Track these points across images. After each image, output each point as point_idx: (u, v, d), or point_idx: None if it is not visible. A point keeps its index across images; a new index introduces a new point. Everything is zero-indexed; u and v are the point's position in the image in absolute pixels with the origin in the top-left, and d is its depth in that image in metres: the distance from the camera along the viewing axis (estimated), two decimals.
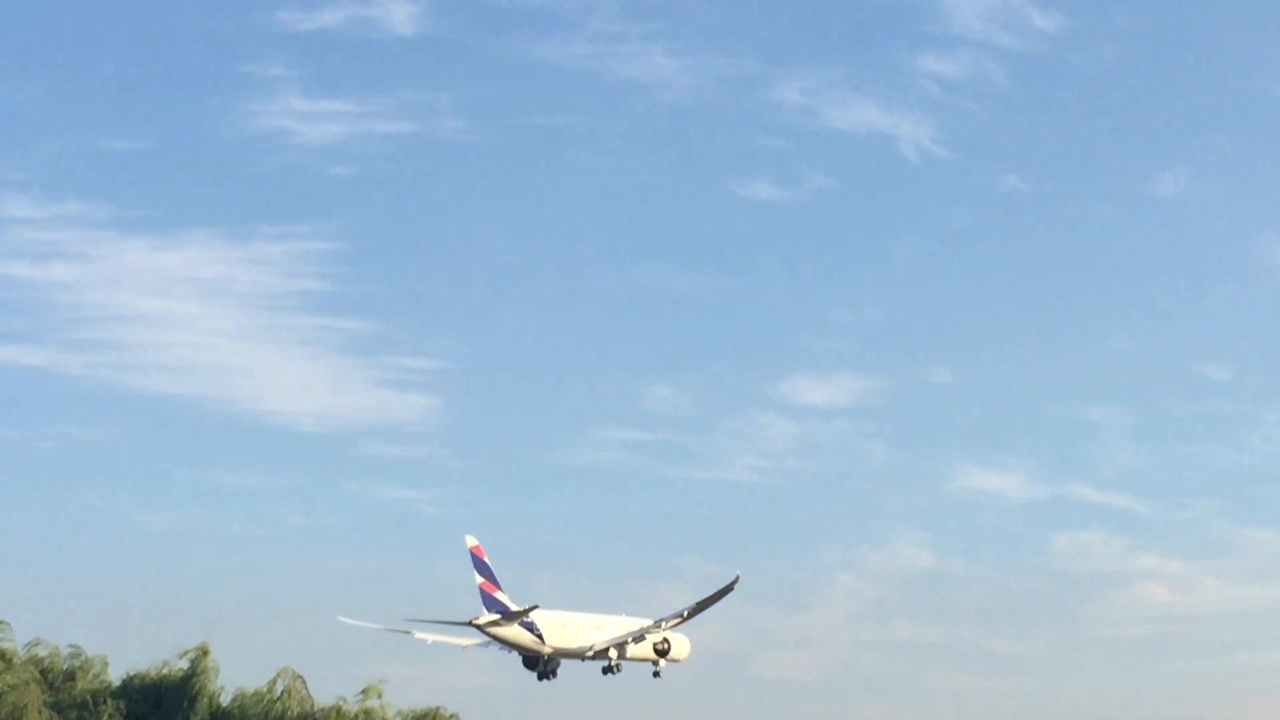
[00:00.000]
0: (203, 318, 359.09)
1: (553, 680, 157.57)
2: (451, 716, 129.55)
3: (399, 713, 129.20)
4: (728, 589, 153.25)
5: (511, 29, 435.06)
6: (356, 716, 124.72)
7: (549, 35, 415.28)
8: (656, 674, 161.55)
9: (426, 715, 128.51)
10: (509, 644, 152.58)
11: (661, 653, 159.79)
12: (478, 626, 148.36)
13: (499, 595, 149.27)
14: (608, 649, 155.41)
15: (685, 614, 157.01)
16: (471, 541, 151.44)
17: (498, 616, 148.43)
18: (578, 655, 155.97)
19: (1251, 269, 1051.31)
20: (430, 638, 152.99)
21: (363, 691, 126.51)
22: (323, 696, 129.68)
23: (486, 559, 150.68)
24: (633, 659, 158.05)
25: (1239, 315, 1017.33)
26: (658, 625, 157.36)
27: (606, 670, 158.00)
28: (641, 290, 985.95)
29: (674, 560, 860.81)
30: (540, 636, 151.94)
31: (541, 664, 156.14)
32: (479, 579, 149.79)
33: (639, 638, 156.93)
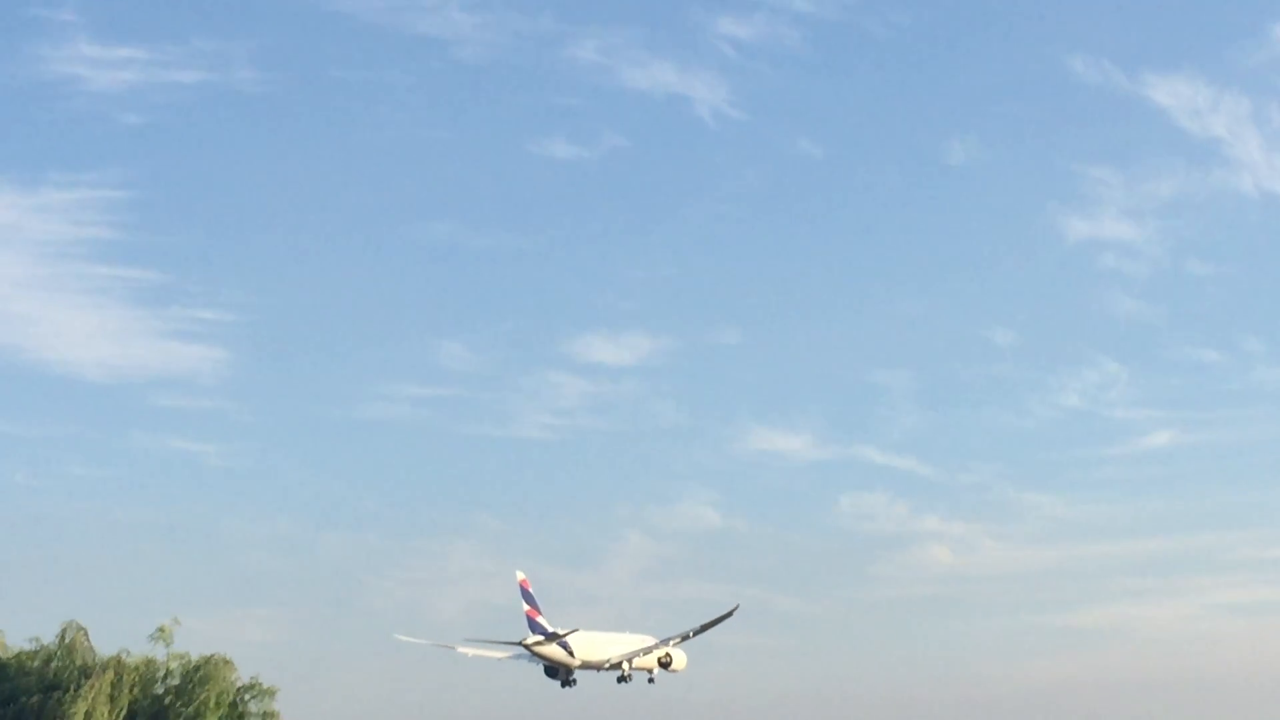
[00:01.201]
0: None
1: (571, 684, 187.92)
2: (226, 663, 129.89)
3: (179, 660, 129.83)
4: (727, 615, 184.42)
5: None
6: (137, 666, 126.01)
7: None
8: (651, 680, 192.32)
9: (204, 663, 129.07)
10: (544, 658, 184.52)
11: (664, 665, 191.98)
12: (526, 646, 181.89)
13: (540, 620, 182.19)
14: (621, 662, 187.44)
15: (690, 634, 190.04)
16: (520, 575, 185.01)
17: (542, 638, 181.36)
18: (597, 667, 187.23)
19: (1037, 237, 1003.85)
20: (471, 652, 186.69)
21: (158, 630, 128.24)
22: (107, 649, 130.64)
23: (531, 590, 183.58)
24: (639, 669, 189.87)
25: (1024, 282, 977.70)
26: (664, 643, 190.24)
27: (620, 679, 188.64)
28: (434, 246, 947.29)
29: (465, 516, 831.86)
30: (571, 653, 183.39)
31: (563, 674, 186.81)
32: (526, 607, 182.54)
33: (647, 652, 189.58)
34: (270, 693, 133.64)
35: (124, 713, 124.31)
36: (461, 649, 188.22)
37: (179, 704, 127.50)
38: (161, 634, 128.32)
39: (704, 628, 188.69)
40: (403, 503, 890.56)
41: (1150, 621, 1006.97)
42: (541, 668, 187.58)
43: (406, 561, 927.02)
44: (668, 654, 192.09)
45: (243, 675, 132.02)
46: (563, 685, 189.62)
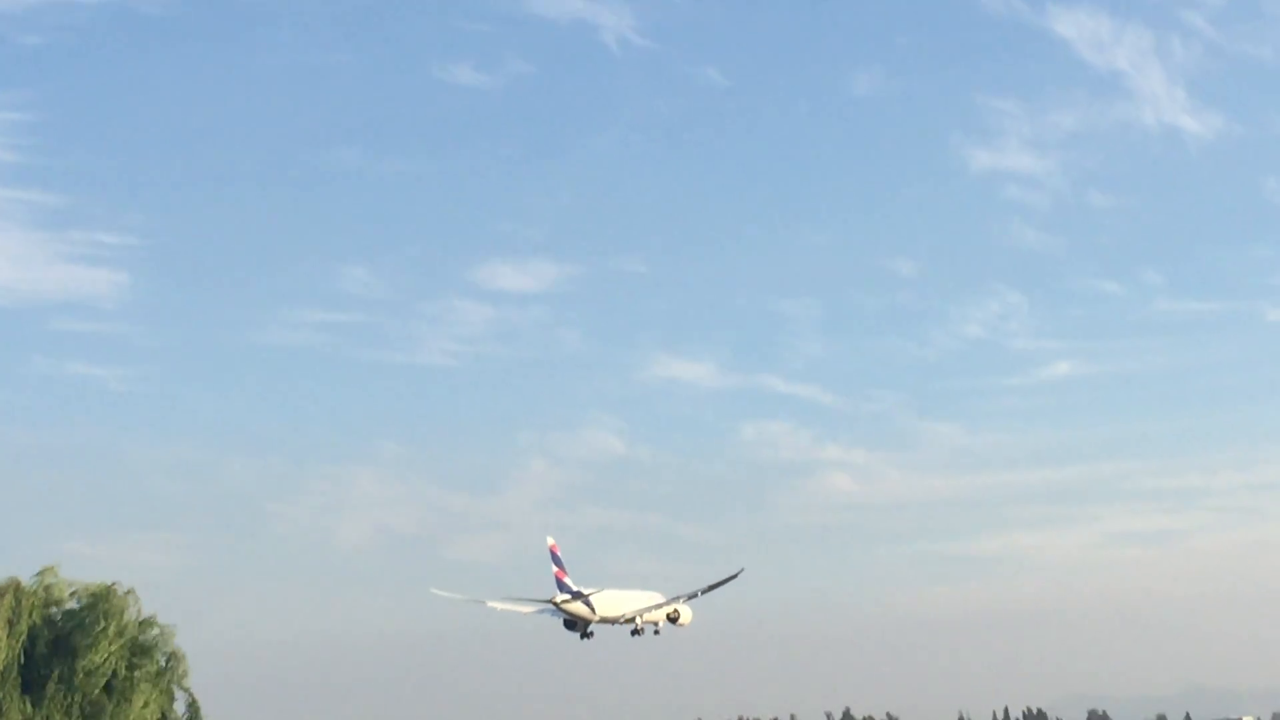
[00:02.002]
0: None
1: (589, 637, 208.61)
2: (129, 592, 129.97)
3: (79, 588, 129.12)
4: (732, 577, 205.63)
5: None
6: (36, 591, 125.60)
7: None
8: (657, 632, 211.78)
9: (104, 592, 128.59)
10: (569, 614, 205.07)
11: (672, 619, 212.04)
12: (555, 604, 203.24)
13: (567, 580, 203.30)
14: (634, 617, 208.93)
15: (698, 593, 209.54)
16: (550, 540, 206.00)
17: (569, 596, 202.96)
18: (614, 621, 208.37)
19: (940, 168, 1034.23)
20: (500, 606, 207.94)
21: (39, 573, 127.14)
22: (3, 572, 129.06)
23: (559, 553, 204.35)
24: (648, 622, 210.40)
25: (927, 213, 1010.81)
26: (672, 601, 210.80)
27: (633, 632, 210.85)
28: (339, 172, 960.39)
29: (369, 443, 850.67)
30: (593, 609, 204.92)
31: (582, 627, 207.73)
32: (555, 569, 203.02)
33: (658, 608, 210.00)
34: (169, 635, 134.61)
35: (24, 638, 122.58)
36: (491, 604, 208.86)
37: (78, 634, 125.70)
38: (43, 574, 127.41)
39: (710, 588, 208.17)
40: (306, 428, 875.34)
41: (1049, 549, 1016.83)
42: (562, 621, 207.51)
43: (310, 487, 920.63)
44: (675, 610, 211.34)
45: (145, 604, 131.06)
46: (581, 637, 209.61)
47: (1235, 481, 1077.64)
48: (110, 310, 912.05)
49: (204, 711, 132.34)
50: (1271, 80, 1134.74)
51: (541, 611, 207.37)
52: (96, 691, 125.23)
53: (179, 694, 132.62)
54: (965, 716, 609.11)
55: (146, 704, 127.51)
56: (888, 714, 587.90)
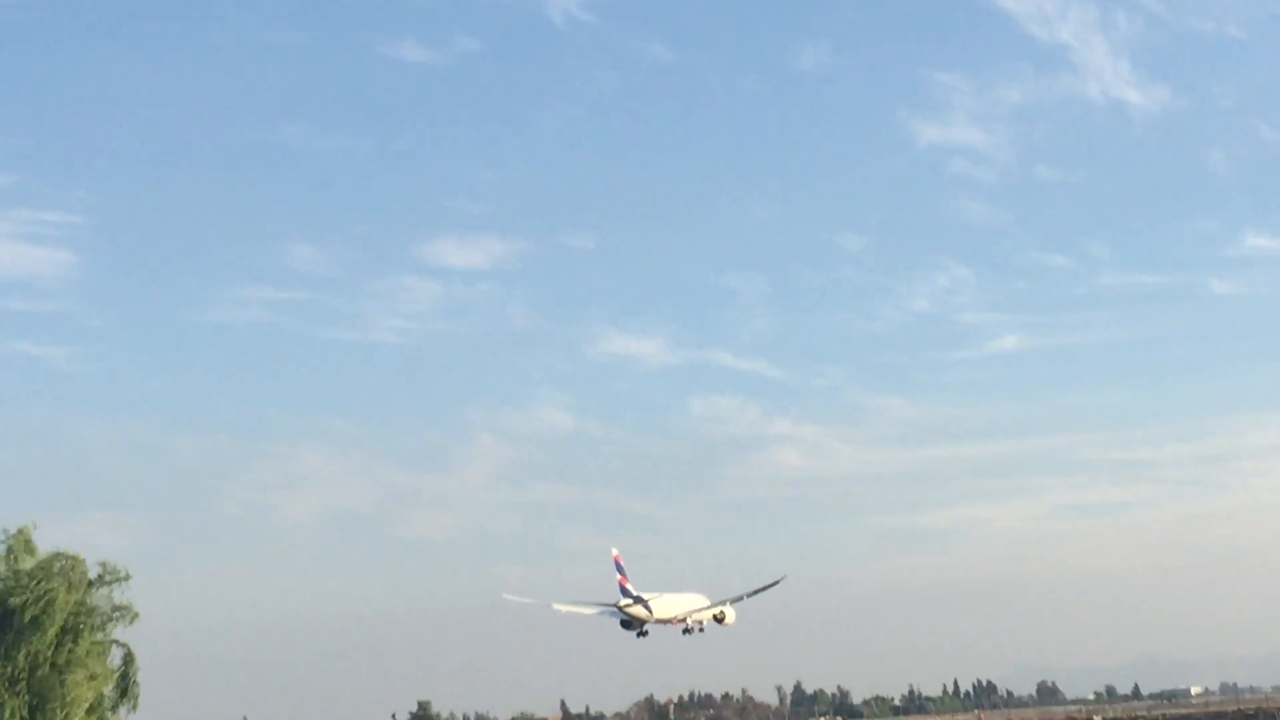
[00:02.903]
0: None
1: (644, 635, 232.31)
2: (77, 559, 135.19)
3: (30, 556, 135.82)
4: (774, 584, 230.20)
5: None
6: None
7: None
8: (701, 629, 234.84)
9: (54, 557, 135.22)
10: (630, 616, 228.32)
11: (719, 620, 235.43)
12: (619, 607, 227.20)
13: (629, 586, 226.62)
14: (685, 618, 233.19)
15: (743, 597, 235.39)
16: (615, 551, 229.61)
17: (631, 600, 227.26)
18: (668, 622, 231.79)
19: (887, 143, 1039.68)
20: (565, 609, 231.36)
21: (18, 531, 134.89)
22: None
23: (622, 562, 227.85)
24: (696, 622, 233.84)
25: (874, 187, 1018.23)
26: (719, 604, 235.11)
27: (685, 631, 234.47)
28: (285, 149, 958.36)
29: (316, 420, 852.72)
30: (650, 611, 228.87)
31: (638, 627, 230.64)
32: (618, 576, 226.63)
33: (707, 610, 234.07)
34: (123, 577, 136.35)
35: None
36: (557, 606, 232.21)
37: (29, 598, 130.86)
38: (19, 535, 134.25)
39: (754, 593, 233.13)
40: (254, 406, 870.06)
41: (998, 522, 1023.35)
42: (619, 622, 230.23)
43: (257, 465, 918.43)
44: (721, 611, 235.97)
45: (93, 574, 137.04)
46: (638, 635, 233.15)
47: (1182, 454, 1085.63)
48: (57, 289, 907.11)
49: (141, 665, 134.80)
50: (1215, 53, 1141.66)
51: (603, 613, 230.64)
52: (46, 646, 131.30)
53: (116, 649, 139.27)
54: (915, 689, 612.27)
55: (89, 652, 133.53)
56: (839, 687, 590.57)
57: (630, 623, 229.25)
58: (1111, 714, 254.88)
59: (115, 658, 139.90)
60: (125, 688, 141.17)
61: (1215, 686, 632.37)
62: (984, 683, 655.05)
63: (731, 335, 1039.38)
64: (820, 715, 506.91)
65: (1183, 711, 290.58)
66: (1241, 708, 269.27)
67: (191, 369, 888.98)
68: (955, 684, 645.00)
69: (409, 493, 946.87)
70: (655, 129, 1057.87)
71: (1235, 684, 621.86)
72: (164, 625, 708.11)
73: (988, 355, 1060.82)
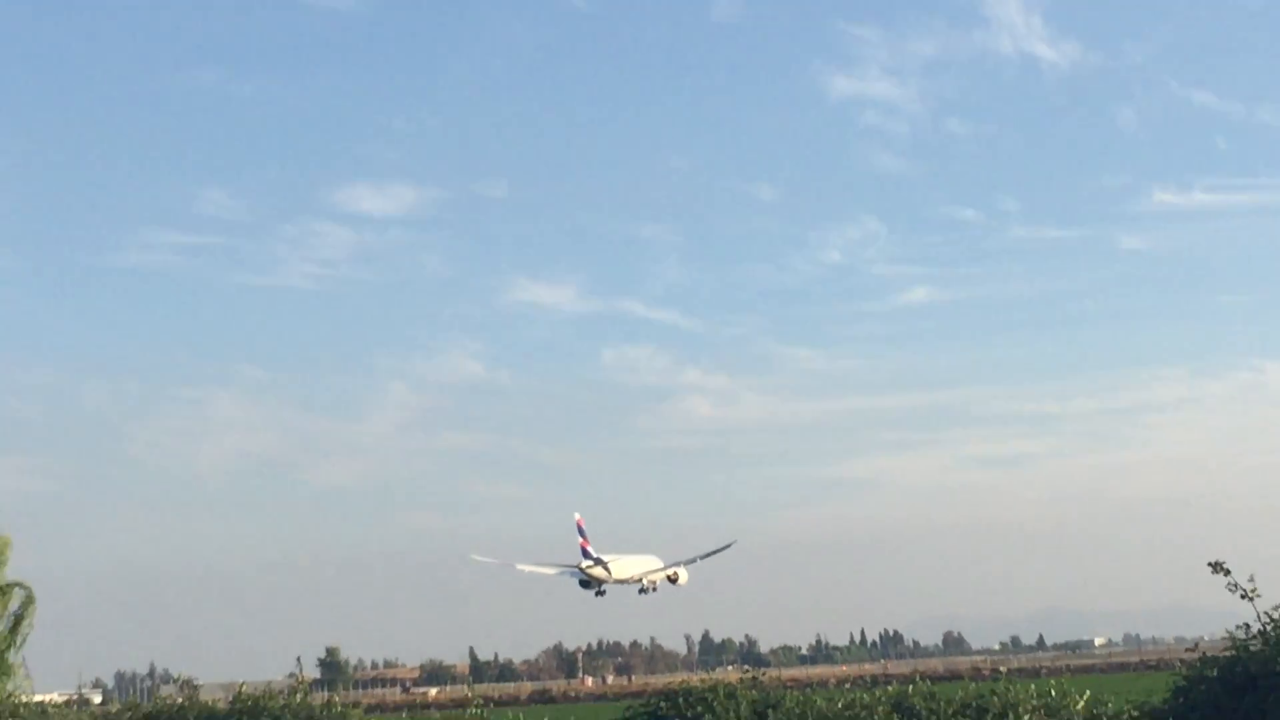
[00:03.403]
0: None
1: (601, 594, 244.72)
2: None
3: None
4: (725, 548, 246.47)
5: None
6: None
7: None
8: (655, 589, 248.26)
9: None
10: (591, 577, 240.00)
11: (672, 580, 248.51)
12: (581, 569, 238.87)
13: (589, 548, 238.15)
14: (642, 579, 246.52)
15: (697, 559, 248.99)
16: (577, 516, 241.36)
17: (592, 562, 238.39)
18: (625, 582, 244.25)
19: (800, 95, 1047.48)
20: (528, 569, 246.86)
21: None
22: None
23: (584, 526, 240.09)
24: (652, 582, 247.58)
25: (787, 139, 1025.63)
26: (673, 565, 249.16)
27: (641, 591, 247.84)
28: (196, 93, 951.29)
29: (227, 366, 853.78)
30: (609, 572, 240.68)
31: (597, 586, 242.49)
32: (580, 539, 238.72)
33: (661, 571, 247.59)
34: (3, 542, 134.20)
35: None
36: (520, 566, 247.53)
37: None
38: None
39: (705, 555, 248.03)
40: (164, 351, 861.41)
41: (907, 473, 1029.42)
42: (578, 582, 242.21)
43: (168, 410, 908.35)
44: (675, 572, 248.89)
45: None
46: (596, 594, 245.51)
47: (1089, 407, 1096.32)
48: None
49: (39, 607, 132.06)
50: (1126, 10, 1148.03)
51: (564, 573, 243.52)
52: None
53: (18, 592, 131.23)
54: (823, 639, 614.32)
55: None
56: (746, 636, 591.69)
57: (589, 583, 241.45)
58: (1016, 664, 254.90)
59: (15, 602, 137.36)
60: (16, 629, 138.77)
61: (1119, 638, 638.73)
62: (891, 633, 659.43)
63: (644, 285, 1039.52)
64: (728, 664, 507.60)
65: (1086, 662, 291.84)
66: (1144, 659, 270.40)
67: (101, 313, 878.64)
68: (862, 634, 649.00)
69: (319, 439, 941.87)
70: (570, 78, 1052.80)
71: (1138, 635, 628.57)
72: (72, 569, 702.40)
73: (898, 307, 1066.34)
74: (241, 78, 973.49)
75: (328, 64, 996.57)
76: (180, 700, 49.55)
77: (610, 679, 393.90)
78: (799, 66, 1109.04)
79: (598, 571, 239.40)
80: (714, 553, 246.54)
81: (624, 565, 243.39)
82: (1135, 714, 31.27)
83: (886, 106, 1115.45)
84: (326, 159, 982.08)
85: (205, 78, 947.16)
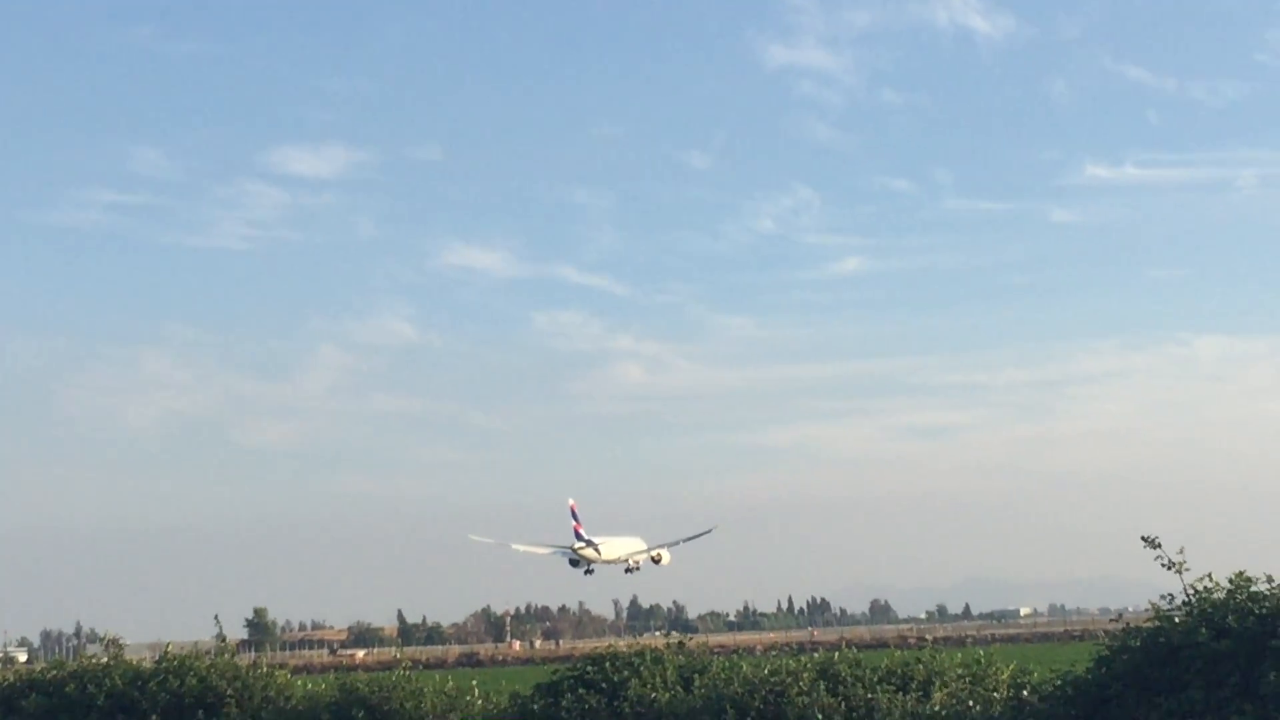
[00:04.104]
0: None
1: (591, 575, 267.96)
2: None
3: None
4: (706, 532, 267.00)
5: None
6: None
7: None
8: (638, 568, 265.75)
9: None
10: (581, 556, 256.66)
11: (656, 561, 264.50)
12: (573, 549, 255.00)
13: (581, 531, 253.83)
14: (628, 559, 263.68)
15: (680, 542, 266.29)
16: (571, 501, 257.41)
17: (584, 544, 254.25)
18: (613, 563, 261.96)
19: (735, 64, 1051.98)
20: (522, 548, 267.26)
21: None
22: None
23: (577, 510, 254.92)
24: (637, 563, 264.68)
25: (722, 107, 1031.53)
26: (657, 547, 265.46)
27: (627, 570, 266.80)
28: (130, 51, 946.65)
29: (158, 326, 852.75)
30: (599, 553, 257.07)
31: (586, 566, 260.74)
32: (574, 522, 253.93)
33: (646, 552, 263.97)
34: None
35: None
36: (515, 546, 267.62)
37: None
38: None
39: (687, 539, 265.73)
40: (94, 310, 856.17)
41: (837, 442, 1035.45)
42: (568, 561, 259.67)
43: (96, 369, 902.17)
44: (659, 554, 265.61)
45: None
46: (585, 573, 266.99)
47: (1018, 378, 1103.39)
48: None
49: None
50: None
51: (555, 553, 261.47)
52: None
53: None
54: (750, 606, 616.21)
55: None
56: (674, 602, 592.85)
57: (579, 562, 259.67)
58: (942, 633, 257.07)
59: None
60: None
61: (1044, 608, 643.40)
62: (818, 600, 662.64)
63: (576, 250, 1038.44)
64: (655, 630, 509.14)
65: (1011, 632, 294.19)
66: (1068, 629, 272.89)
67: (31, 271, 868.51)
68: (790, 601, 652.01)
69: (250, 401, 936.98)
70: (503, 42, 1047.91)
71: (1063, 606, 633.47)
72: None
73: (831, 277, 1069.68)
74: (176, 36, 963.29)
75: (262, 24, 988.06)
76: (106, 659, 49.29)
77: (538, 643, 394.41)
78: (735, 35, 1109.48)
79: (588, 552, 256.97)
80: (695, 537, 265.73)
81: (612, 546, 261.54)
82: (1059, 683, 31.46)
83: (822, 76, 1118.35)
84: (260, 120, 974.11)
85: (139, 34, 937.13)
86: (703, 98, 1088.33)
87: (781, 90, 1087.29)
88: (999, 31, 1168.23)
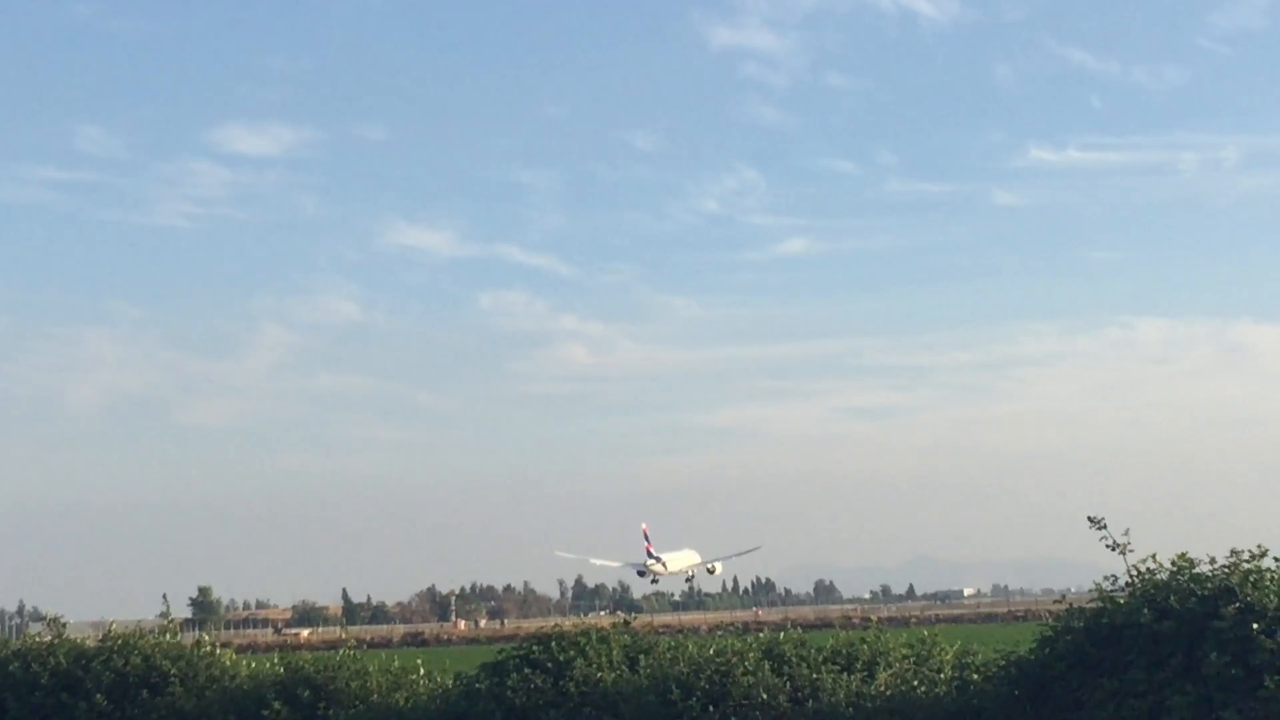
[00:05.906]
0: None
1: (656, 584, 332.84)
2: None
3: None
4: (752, 550, 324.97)
5: None
6: None
7: None
8: (694, 578, 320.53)
9: None
10: (649, 569, 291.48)
11: (710, 571, 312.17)
12: (645, 565, 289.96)
13: (651, 549, 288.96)
14: (689, 571, 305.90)
15: (730, 556, 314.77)
16: (644, 525, 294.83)
17: (654, 560, 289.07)
18: (675, 575, 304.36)
19: (680, 44, 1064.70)
20: (599, 562, 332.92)
21: None
22: None
23: (648, 532, 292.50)
24: (693, 574, 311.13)
25: (667, 88, 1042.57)
26: (713, 561, 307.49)
27: (686, 580, 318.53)
28: (73, 27, 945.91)
29: (100, 304, 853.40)
30: (665, 566, 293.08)
31: (652, 577, 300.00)
32: (646, 544, 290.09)
33: (702, 565, 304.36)
34: None
35: None
36: (594, 561, 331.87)
37: None
38: None
39: (737, 554, 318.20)
40: (36, 287, 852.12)
41: (781, 423, 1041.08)
42: (636, 572, 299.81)
43: (39, 347, 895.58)
44: (713, 565, 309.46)
45: None
46: (652, 582, 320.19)
47: (961, 360, 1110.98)
48: None
49: None
50: None
51: (626, 566, 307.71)
52: None
53: None
54: (695, 586, 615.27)
55: None
56: (620, 582, 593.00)
57: (646, 573, 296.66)
58: (886, 613, 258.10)
59: None
60: None
61: (987, 589, 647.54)
62: (763, 580, 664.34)
63: (521, 230, 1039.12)
64: (601, 610, 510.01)
65: (955, 612, 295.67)
66: (1011, 609, 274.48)
67: None
68: (735, 581, 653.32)
69: (193, 379, 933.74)
70: (450, 22, 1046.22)
71: (1006, 586, 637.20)
72: None
73: (774, 258, 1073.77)
74: (118, 13, 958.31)
75: (206, 1, 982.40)
76: (49, 638, 49.13)
77: (483, 623, 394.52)
78: (679, 16, 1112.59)
79: (657, 566, 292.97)
80: (744, 553, 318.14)
81: (676, 560, 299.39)
82: (1003, 663, 31.68)
83: (766, 58, 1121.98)
84: (204, 98, 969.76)
85: (81, 11, 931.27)
86: (648, 79, 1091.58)
87: (726, 72, 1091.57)
88: (943, 15, 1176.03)
